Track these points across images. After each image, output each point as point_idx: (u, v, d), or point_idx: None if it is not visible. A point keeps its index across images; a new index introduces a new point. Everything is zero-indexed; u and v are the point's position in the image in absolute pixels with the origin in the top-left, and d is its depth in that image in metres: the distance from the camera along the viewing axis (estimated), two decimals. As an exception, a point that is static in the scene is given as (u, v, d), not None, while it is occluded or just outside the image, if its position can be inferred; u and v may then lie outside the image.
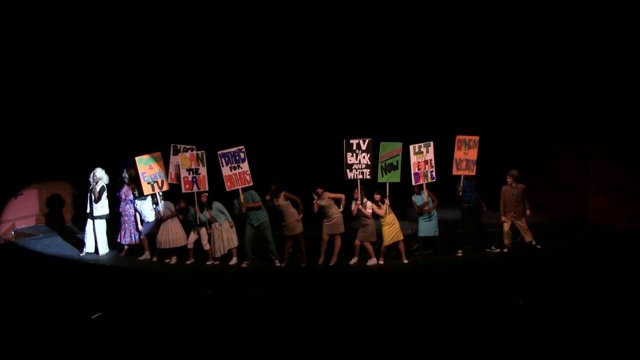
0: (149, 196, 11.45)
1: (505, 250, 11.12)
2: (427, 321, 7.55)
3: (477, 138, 11.14)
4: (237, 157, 10.90)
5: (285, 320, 7.82)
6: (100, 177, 11.72)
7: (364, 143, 10.97)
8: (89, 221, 11.68)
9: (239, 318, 7.95)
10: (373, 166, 10.92)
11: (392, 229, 10.81)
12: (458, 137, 11.22)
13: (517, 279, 9.44)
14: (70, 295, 9.03)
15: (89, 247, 11.71)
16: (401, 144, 10.95)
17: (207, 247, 11.17)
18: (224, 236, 11.00)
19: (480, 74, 14.26)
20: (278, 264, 10.89)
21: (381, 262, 10.89)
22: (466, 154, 11.13)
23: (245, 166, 10.91)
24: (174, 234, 11.19)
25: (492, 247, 11.23)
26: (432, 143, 11.03)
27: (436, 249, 11.07)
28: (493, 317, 7.67)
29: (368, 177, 10.92)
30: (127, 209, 11.62)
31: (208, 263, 11.12)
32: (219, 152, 10.93)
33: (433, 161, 10.99)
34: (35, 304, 8.29)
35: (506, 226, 11.09)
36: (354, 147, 10.97)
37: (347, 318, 7.78)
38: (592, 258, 10.33)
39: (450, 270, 10.45)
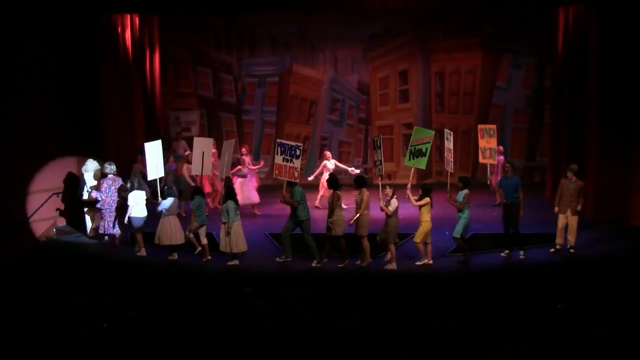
0: (144, 191, 11.46)
1: (552, 250, 10.89)
2: (462, 323, 7.50)
3: (494, 126, 11.73)
4: (293, 152, 10.94)
5: (315, 319, 7.83)
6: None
7: (378, 140, 11.19)
8: None
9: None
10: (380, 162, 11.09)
11: (422, 228, 10.55)
12: (480, 126, 11.98)
13: (557, 283, 9.33)
14: (105, 293, 9.19)
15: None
16: (433, 132, 11.17)
17: (204, 241, 11.26)
18: (224, 236, 10.89)
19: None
20: (315, 264, 10.86)
21: (430, 261, 10.67)
22: (488, 143, 11.48)
23: (297, 163, 10.93)
24: (174, 231, 11.10)
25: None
26: (452, 133, 11.27)
27: (463, 251, 10.86)
28: (531, 320, 7.60)
29: (379, 173, 11.09)
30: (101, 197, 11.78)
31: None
32: (279, 140, 11.27)
33: (452, 152, 11.17)
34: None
35: (560, 223, 10.85)
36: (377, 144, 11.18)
37: (373, 319, 7.76)
38: (633, 262, 10.14)
39: (488, 272, 10.39)
